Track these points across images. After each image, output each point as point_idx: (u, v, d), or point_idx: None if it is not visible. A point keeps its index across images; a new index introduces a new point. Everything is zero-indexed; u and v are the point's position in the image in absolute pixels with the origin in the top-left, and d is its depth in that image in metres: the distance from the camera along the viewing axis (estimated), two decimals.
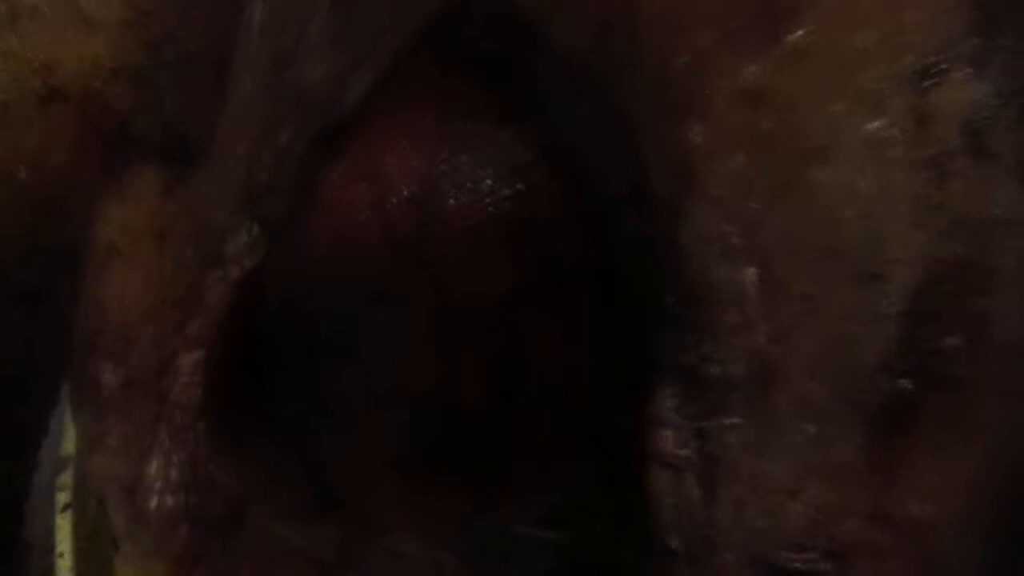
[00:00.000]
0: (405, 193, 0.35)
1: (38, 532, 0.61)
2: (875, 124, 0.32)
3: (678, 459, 0.32)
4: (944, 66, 0.32)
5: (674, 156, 0.32)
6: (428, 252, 0.35)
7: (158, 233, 0.42)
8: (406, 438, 0.37)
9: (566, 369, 0.35)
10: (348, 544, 0.41)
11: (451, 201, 0.35)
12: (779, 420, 0.33)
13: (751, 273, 0.32)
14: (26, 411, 0.57)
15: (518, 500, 0.37)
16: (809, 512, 0.33)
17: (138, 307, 0.40)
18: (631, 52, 0.32)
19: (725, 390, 0.32)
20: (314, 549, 0.41)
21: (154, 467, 0.37)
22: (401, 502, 0.40)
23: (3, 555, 0.56)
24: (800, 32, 0.31)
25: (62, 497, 0.60)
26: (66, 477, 0.60)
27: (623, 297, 0.35)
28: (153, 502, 0.37)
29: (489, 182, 0.35)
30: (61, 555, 0.57)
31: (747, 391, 0.33)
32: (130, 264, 0.42)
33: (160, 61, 0.45)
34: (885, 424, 0.33)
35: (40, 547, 0.61)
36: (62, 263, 0.45)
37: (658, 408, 0.33)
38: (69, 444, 0.60)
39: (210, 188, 0.38)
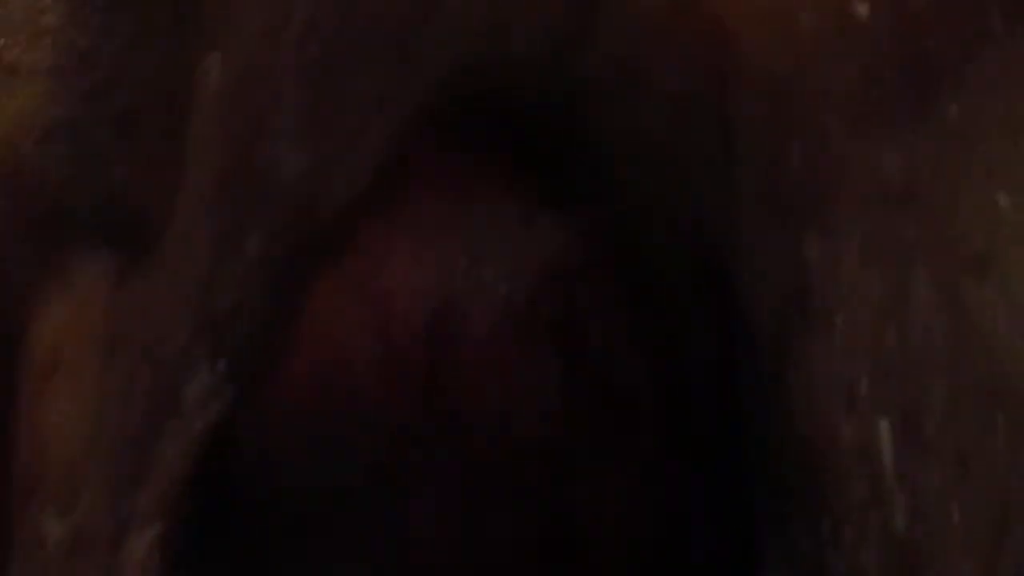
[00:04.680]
0: (413, 317, 0.26)
1: None
2: None
3: None
4: None
5: (782, 275, 0.23)
6: (445, 393, 0.27)
7: (107, 343, 0.34)
8: None
9: (623, 538, 0.27)
10: None
11: (473, 322, 0.27)
12: None
13: (886, 428, 0.24)
14: None
15: None
16: None
17: (84, 441, 0.33)
18: (725, 134, 0.23)
19: None
20: None
21: None
22: None
23: None
24: (954, 106, 0.22)
25: None
26: None
27: (699, 446, 0.26)
28: None
29: (525, 294, 0.27)
30: None
31: None
32: (74, 381, 0.35)
33: (101, 115, 0.36)
34: None
35: None
36: None
37: None
38: None
39: (163, 293, 0.30)
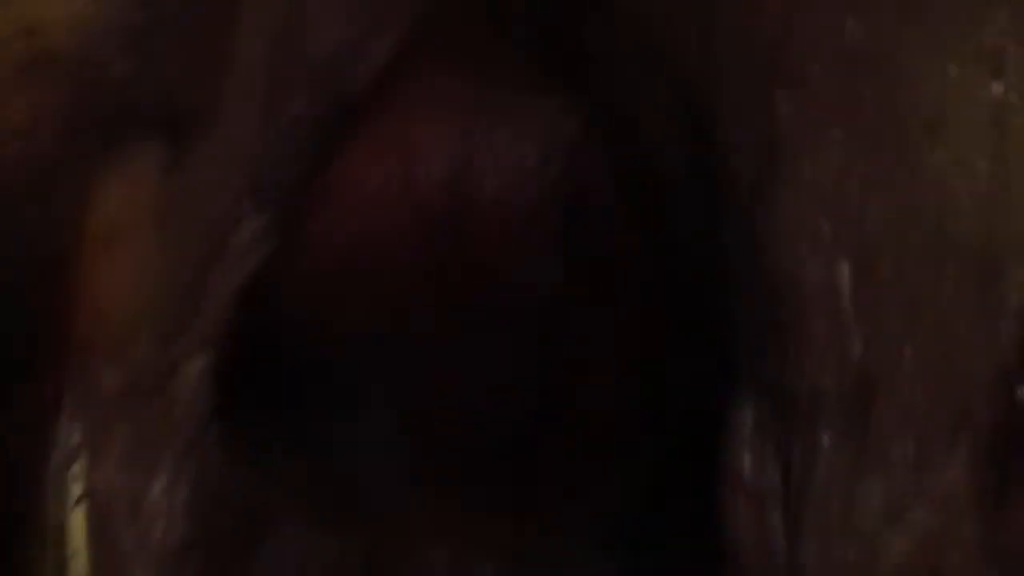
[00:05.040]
0: (437, 172, 0.30)
1: (51, 526, 0.58)
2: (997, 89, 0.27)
3: (759, 487, 0.28)
4: None
5: (757, 130, 0.27)
6: (465, 242, 0.30)
7: (160, 217, 0.38)
8: (443, 449, 0.33)
9: (622, 375, 0.31)
10: (379, 555, 0.38)
11: (491, 181, 0.30)
12: (876, 440, 0.28)
13: (846, 270, 0.27)
14: (35, 393, 0.53)
15: (565, 520, 0.33)
16: (909, 542, 0.29)
17: (138, 300, 0.36)
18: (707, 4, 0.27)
19: (814, 407, 0.28)
20: (343, 560, 0.38)
21: (162, 483, 0.33)
22: (437, 517, 0.36)
23: (16, 551, 0.53)
24: None
25: (75, 489, 0.56)
26: (79, 468, 0.56)
27: (689, 295, 0.30)
28: (160, 525, 0.33)
29: (533, 160, 0.31)
30: (74, 554, 0.54)
31: (840, 407, 0.28)
32: (130, 250, 0.38)
33: (155, 19, 0.40)
34: (999, 443, 0.29)
35: (54, 543, 0.57)
36: (53, 245, 0.41)
37: (735, 428, 0.28)
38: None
39: (213, 169, 0.34)
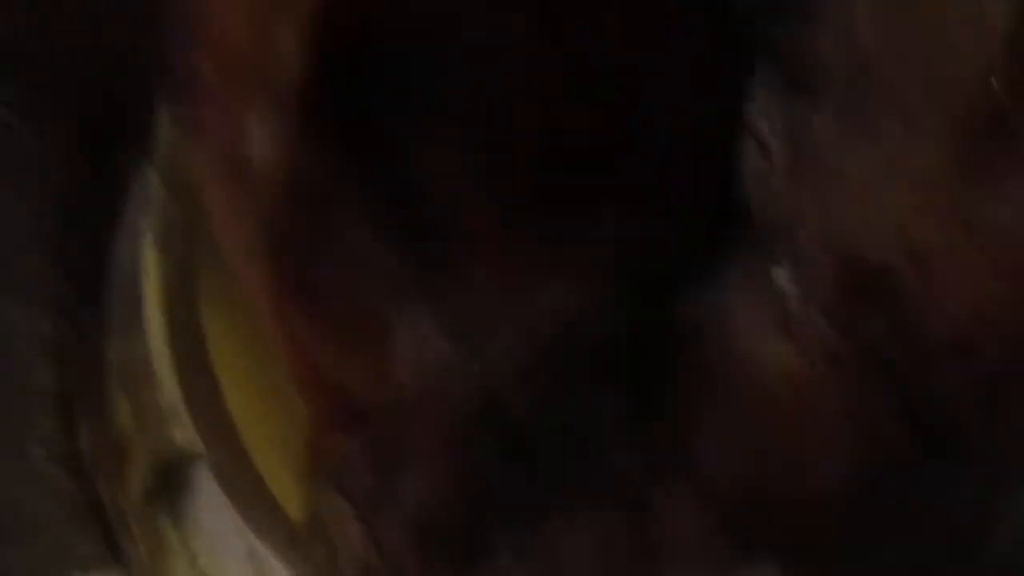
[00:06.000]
0: None
1: (125, 270, 0.62)
2: None
3: (768, 141, 0.33)
4: None
5: None
6: None
7: None
8: (505, 157, 0.38)
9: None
10: (429, 270, 0.43)
11: None
12: (870, 116, 0.33)
13: None
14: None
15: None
16: (892, 214, 0.34)
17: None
18: None
19: (820, 80, 0.33)
20: (396, 269, 0.43)
21: (255, 141, 0.39)
22: (494, 232, 0.41)
23: (92, 296, 0.59)
24: None
25: (148, 238, 0.61)
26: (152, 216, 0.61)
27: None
28: (254, 175, 0.39)
29: None
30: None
31: (842, 82, 0.33)
32: None
33: None
34: (978, 133, 0.33)
35: (127, 284, 0.62)
36: None
37: (755, 99, 0.33)
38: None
39: None
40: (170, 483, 0.55)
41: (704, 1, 0.34)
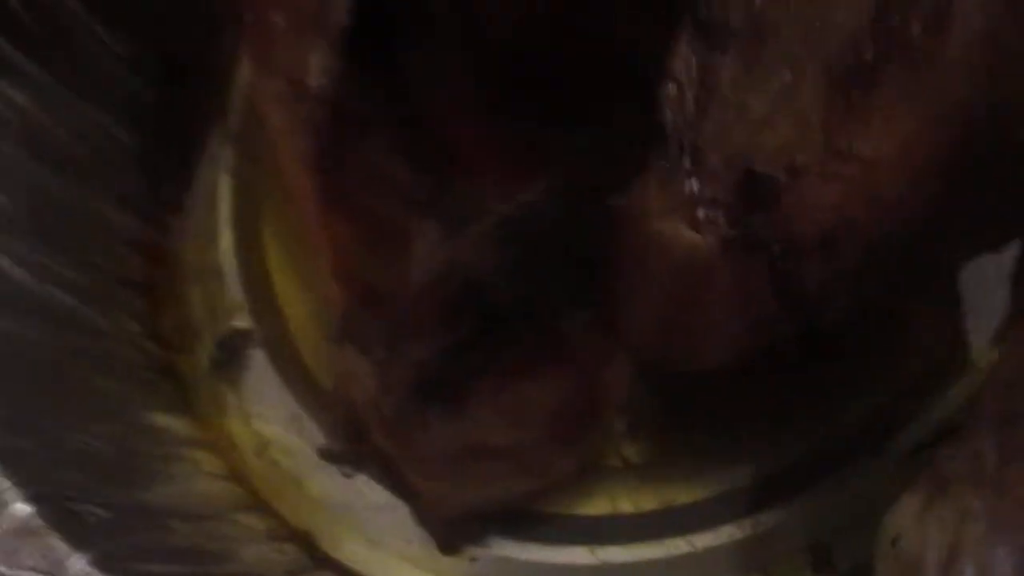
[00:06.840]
0: None
1: (205, 189, 0.69)
2: None
3: (684, 81, 0.43)
4: None
5: None
6: None
7: None
8: (488, 72, 0.49)
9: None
10: (441, 194, 0.51)
11: None
12: (763, 66, 0.43)
13: None
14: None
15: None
16: (777, 139, 0.44)
17: None
18: None
19: (725, 35, 0.43)
20: (412, 189, 0.51)
21: (312, 72, 0.50)
22: (488, 143, 0.52)
23: (176, 208, 0.68)
24: None
25: (223, 162, 0.68)
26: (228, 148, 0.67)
27: None
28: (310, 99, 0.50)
29: None
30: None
31: (742, 38, 0.43)
32: None
33: None
34: (847, 83, 0.44)
35: (205, 202, 0.70)
36: None
37: (678, 44, 0.44)
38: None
39: None
40: (231, 358, 0.65)
41: None
